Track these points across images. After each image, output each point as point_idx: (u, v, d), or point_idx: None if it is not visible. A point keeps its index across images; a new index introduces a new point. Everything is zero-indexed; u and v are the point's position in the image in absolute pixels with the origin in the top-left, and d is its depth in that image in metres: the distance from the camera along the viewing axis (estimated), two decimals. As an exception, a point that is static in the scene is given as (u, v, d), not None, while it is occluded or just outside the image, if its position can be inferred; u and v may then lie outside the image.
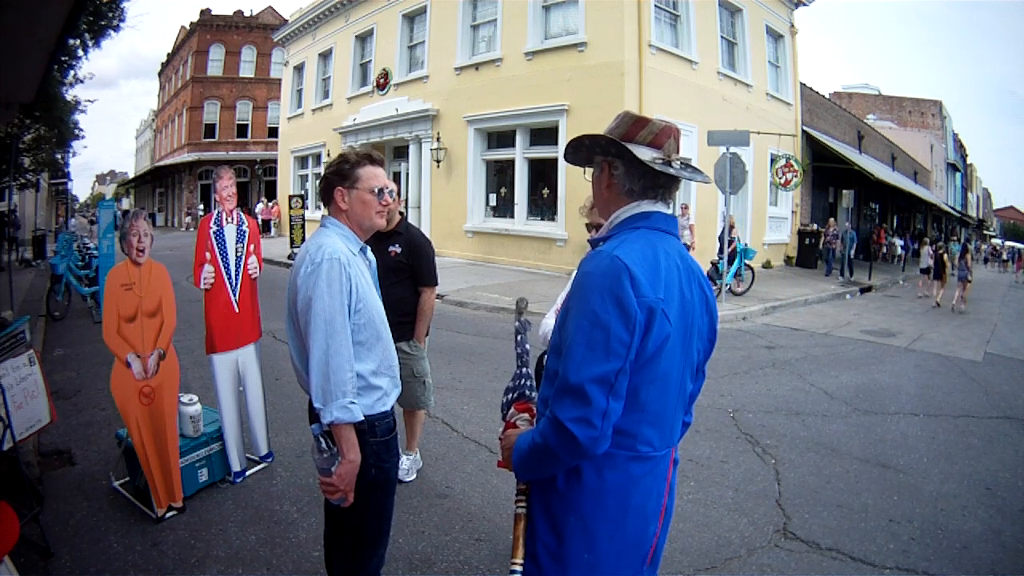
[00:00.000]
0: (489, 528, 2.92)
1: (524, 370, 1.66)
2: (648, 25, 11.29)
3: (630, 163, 1.32)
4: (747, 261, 10.94)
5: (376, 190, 1.85)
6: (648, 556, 1.34)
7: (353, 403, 1.68)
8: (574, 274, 1.93)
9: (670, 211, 1.37)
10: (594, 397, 1.15)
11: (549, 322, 2.58)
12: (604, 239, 1.34)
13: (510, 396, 1.62)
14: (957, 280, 11.70)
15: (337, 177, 1.85)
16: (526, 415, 1.54)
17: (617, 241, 1.27)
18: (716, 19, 13.34)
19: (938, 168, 36.07)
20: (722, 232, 10.45)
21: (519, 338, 1.73)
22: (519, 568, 1.29)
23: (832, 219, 15.67)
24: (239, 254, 3.41)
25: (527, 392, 1.61)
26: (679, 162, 1.33)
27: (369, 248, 1.97)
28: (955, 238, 21.34)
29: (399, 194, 3.05)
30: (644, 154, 1.30)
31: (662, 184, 1.34)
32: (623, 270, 1.18)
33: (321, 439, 1.69)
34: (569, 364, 1.18)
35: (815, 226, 16.35)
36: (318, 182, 1.87)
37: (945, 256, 12.25)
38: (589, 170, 1.46)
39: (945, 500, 3.35)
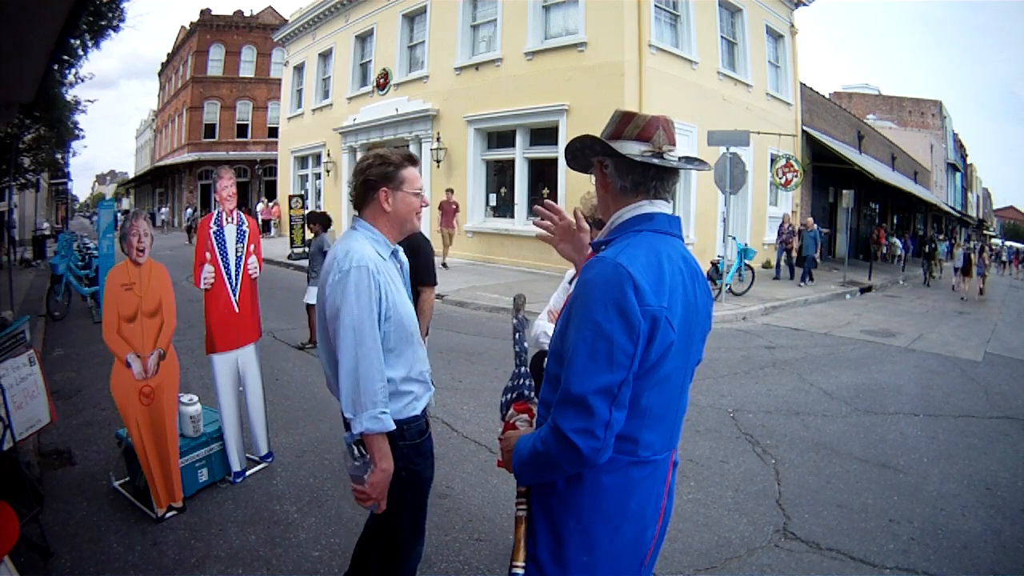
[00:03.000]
0: (489, 528, 2.92)
1: (523, 369, 1.65)
2: (648, 25, 11.28)
3: (618, 160, 1.31)
4: (747, 261, 10.94)
5: (419, 191, 1.86)
6: (646, 558, 1.35)
7: (384, 413, 1.67)
8: (568, 274, 1.91)
9: (671, 209, 1.35)
10: (597, 408, 1.14)
11: (541, 323, 2.57)
12: (606, 242, 1.32)
13: (509, 396, 1.61)
14: (976, 275, 14.16)
15: (382, 179, 1.82)
16: (525, 416, 1.53)
17: (620, 247, 1.24)
18: (716, 19, 13.33)
19: (938, 168, 36.07)
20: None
21: (517, 336, 1.71)
22: (520, 571, 1.29)
23: (788, 213, 14.20)
24: (239, 254, 3.41)
25: (526, 392, 1.61)
26: (673, 154, 1.31)
27: (400, 250, 1.94)
28: (943, 238, 21.50)
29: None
30: (631, 148, 1.28)
31: (654, 178, 1.31)
32: (626, 279, 1.16)
33: (354, 447, 1.68)
34: (571, 374, 1.16)
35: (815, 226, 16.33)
36: (352, 183, 1.90)
37: (973, 256, 14.33)
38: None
39: (945, 500, 3.35)
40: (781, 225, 13.70)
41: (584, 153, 1.39)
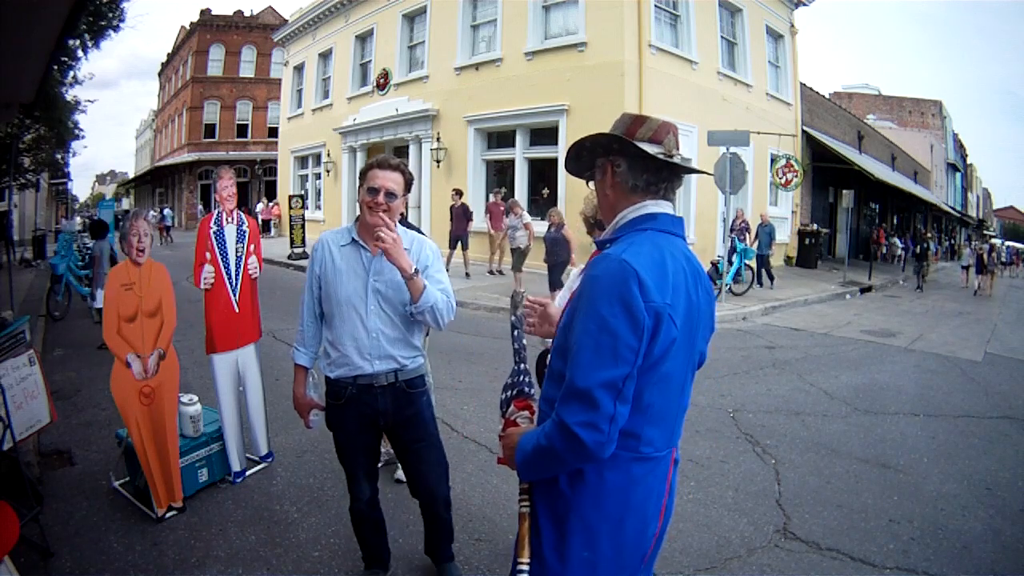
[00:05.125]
0: (489, 528, 2.92)
1: (522, 366, 1.65)
2: (648, 25, 11.28)
3: (633, 158, 1.33)
4: (747, 261, 10.94)
5: (368, 188, 2.09)
6: (647, 555, 1.35)
7: (297, 350, 2.28)
8: (572, 273, 1.92)
9: (673, 211, 1.37)
10: (602, 402, 1.15)
11: None
12: (610, 240, 1.34)
13: (509, 393, 1.61)
14: (988, 272, 15.45)
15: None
16: (526, 412, 1.53)
17: (624, 244, 1.26)
18: (716, 19, 13.33)
19: (938, 168, 36.06)
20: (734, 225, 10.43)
21: (515, 333, 1.71)
22: (526, 567, 1.29)
23: (741, 207, 12.47)
24: (239, 254, 3.40)
25: (526, 389, 1.61)
26: (679, 157, 1.34)
27: (362, 240, 2.17)
28: (930, 236, 21.30)
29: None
30: (648, 148, 1.31)
31: (665, 179, 1.34)
32: (631, 275, 1.17)
33: None
34: (576, 369, 1.17)
35: (815, 226, 16.33)
36: None
37: (984, 255, 15.51)
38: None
39: (945, 500, 3.35)
40: (734, 221, 12.11)
41: (593, 152, 1.40)
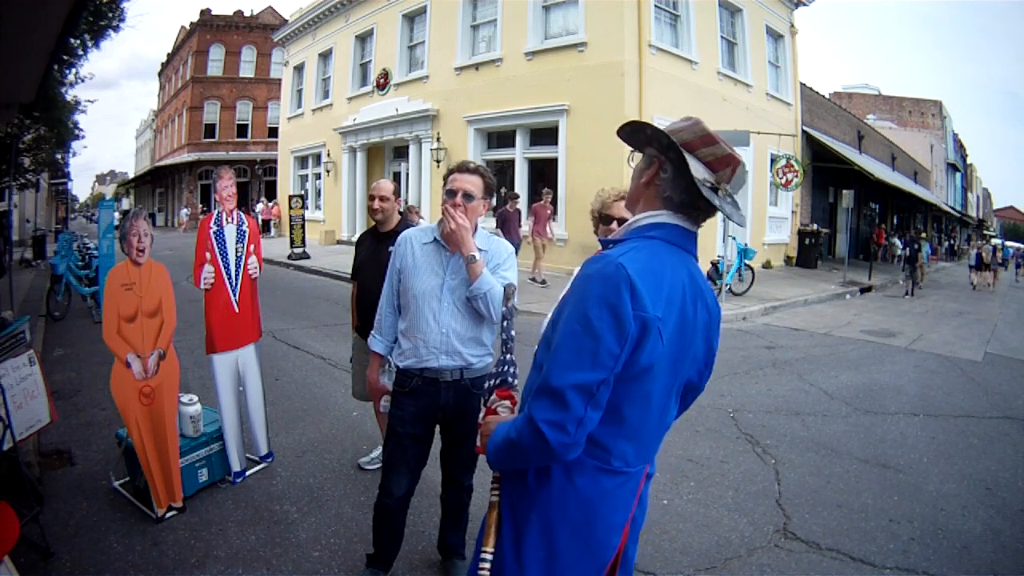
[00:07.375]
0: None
1: (509, 356, 1.65)
2: (648, 25, 11.28)
3: (680, 172, 1.25)
4: (747, 261, 10.94)
5: (447, 191, 2.23)
6: (608, 566, 1.32)
7: (374, 337, 2.41)
8: (576, 272, 1.92)
9: (693, 228, 1.30)
10: (572, 403, 1.13)
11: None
12: (615, 242, 1.30)
13: (492, 382, 1.61)
14: (991, 269, 16.52)
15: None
16: (507, 402, 1.54)
17: (626, 248, 1.23)
18: (716, 19, 13.32)
19: (938, 168, 36.08)
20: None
21: (505, 324, 1.71)
22: (490, 556, 1.31)
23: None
24: (239, 254, 3.40)
25: (509, 379, 1.61)
26: (727, 194, 1.28)
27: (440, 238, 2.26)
28: (924, 236, 20.96)
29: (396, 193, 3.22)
30: (699, 171, 1.24)
31: (701, 208, 1.27)
32: (624, 280, 1.15)
33: None
34: (553, 365, 1.16)
35: (815, 226, 16.33)
36: None
37: (984, 254, 16.41)
38: (621, 160, 1.43)
39: (945, 500, 3.35)
40: None
41: (648, 140, 1.32)
